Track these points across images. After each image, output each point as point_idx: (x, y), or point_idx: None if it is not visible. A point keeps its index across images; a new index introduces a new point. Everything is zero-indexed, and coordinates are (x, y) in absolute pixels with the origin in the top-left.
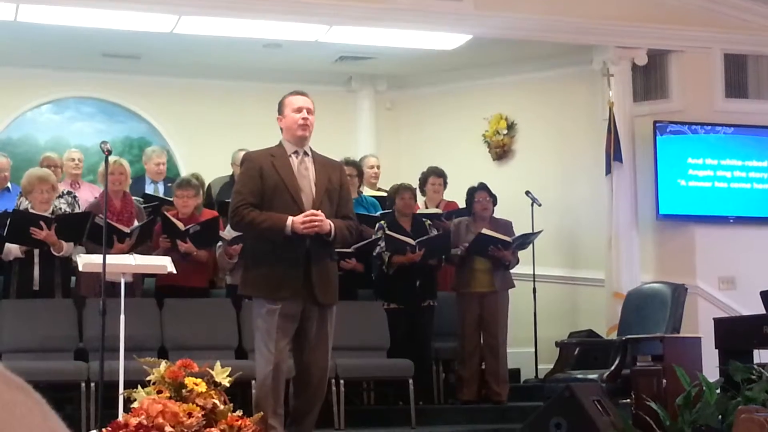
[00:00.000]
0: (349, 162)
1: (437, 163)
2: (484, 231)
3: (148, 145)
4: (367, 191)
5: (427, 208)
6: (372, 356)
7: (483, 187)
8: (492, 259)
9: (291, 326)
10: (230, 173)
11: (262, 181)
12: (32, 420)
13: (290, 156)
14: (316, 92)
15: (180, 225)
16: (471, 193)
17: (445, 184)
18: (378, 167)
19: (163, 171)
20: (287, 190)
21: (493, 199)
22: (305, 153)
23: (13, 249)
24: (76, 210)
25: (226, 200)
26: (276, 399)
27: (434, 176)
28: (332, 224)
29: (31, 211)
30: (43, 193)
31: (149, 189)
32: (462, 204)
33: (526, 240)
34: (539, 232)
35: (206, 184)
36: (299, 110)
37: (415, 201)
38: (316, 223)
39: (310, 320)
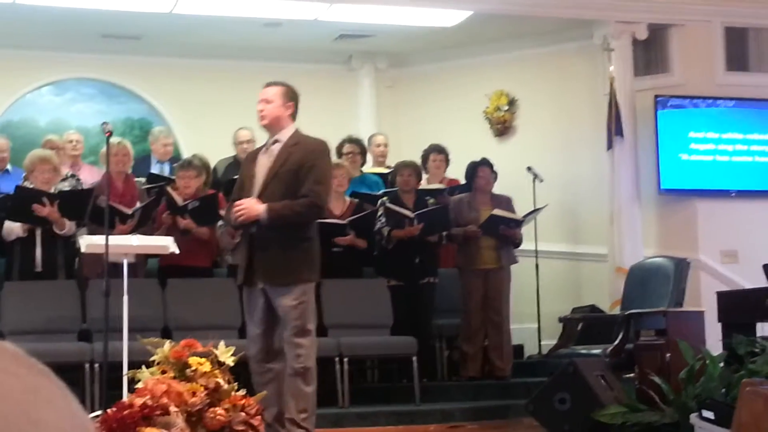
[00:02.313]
0: (352, 140)
1: (438, 140)
2: (496, 212)
3: (149, 126)
4: (375, 169)
5: (429, 184)
6: (376, 334)
7: (485, 162)
8: (501, 238)
9: (256, 309)
10: (234, 154)
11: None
12: (56, 404)
13: (265, 146)
14: (316, 71)
15: (179, 200)
16: (473, 168)
17: (447, 160)
18: (385, 146)
19: (169, 152)
20: (244, 180)
21: (494, 175)
22: (276, 140)
23: (15, 228)
24: None
25: (235, 177)
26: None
27: (435, 153)
28: (265, 208)
29: (33, 185)
30: (44, 174)
31: (155, 169)
32: (464, 181)
33: (532, 216)
34: (543, 207)
35: (208, 164)
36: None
37: (417, 178)
38: (241, 212)
39: (273, 301)
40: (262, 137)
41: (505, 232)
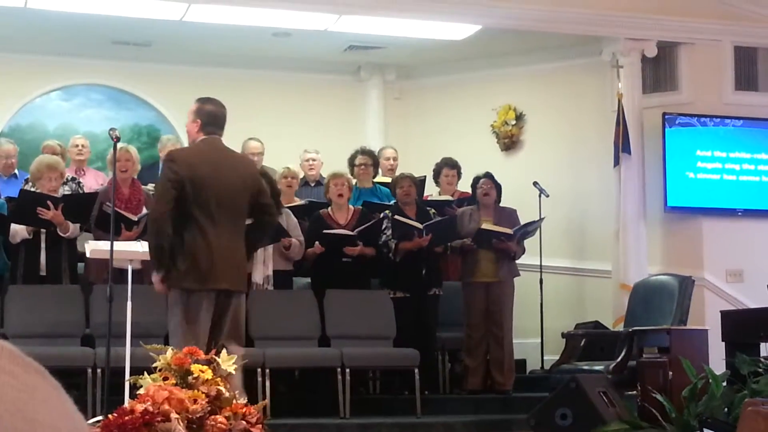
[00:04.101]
0: (365, 151)
1: (445, 153)
2: (484, 226)
3: (157, 133)
4: (380, 179)
5: (440, 196)
6: (378, 345)
7: (486, 174)
8: (497, 251)
9: None
10: None
11: None
12: (52, 403)
13: None
14: (325, 81)
15: None
16: (476, 181)
17: (459, 175)
18: (395, 159)
19: None
20: None
21: (497, 188)
22: None
23: (19, 230)
24: None
25: None
26: None
27: (447, 167)
28: None
29: (38, 191)
30: (51, 181)
31: None
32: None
33: (528, 229)
34: (542, 219)
35: None
36: None
37: (417, 189)
38: None
39: None
40: (270, 148)
41: (498, 246)
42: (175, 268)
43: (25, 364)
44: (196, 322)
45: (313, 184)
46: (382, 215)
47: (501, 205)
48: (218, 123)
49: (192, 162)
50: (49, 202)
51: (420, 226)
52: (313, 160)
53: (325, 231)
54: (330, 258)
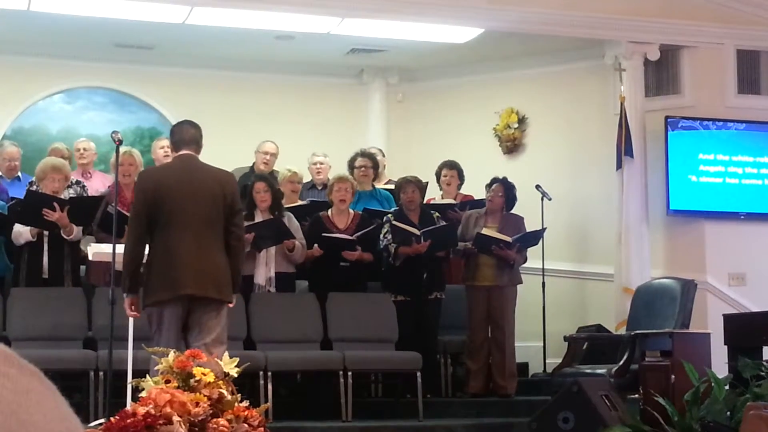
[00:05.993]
0: (365, 154)
1: (447, 156)
2: (484, 231)
3: (159, 136)
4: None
5: (443, 200)
6: (380, 348)
7: (498, 180)
8: (497, 257)
9: None
10: (251, 163)
11: None
12: (46, 406)
13: None
14: (327, 84)
15: None
16: (490, 184)
17: (460, 176)
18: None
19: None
20: None
21: (507, 194)
22: None
23: (24, 232)
24: None
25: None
26: None
27: (447, 168)
28: None
29: (43, 191)
30: (54, 182)
31: None
32: (477, 197)
33: (529, 237)
34: (544, 230)
35: None
36: None
37: (422, 193)
38: None
39: None
40: (284, 151)
41: (497, 252)
42: (147, 283)
43: (20, 366)
44: (169, 331)
45: (320, 188)
46: (384, 219)
47: (511, 212)
48: (185, 140)
49: (156, 177)
50: (55, 204)
51: (418, 233)
52: (321, 163)
53: (324, 234)
54: (328, 262)
